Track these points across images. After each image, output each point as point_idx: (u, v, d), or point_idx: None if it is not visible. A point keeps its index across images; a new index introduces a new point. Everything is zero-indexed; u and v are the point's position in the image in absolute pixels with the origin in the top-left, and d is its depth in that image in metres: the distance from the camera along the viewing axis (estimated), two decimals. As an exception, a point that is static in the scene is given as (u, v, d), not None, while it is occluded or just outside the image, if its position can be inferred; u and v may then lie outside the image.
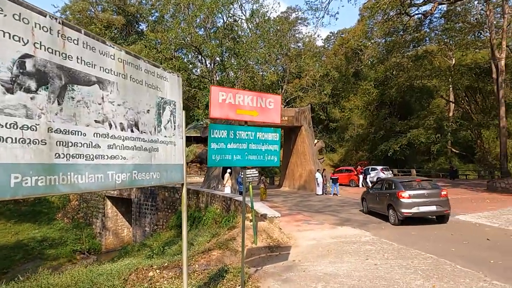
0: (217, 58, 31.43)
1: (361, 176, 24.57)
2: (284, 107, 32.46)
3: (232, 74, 28.32)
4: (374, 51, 39.01)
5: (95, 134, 2.44)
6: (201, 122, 34.23)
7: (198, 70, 34.80)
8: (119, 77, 2.70)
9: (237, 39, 31.25)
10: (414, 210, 9.28)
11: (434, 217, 9.91)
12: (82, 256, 24.17)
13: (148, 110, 3.06)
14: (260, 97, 4.73)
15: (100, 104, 2.50)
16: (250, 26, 31.44)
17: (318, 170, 19.80)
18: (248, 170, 6.92)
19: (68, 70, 2.24)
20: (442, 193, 9.57)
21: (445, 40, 34.25)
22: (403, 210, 9.30)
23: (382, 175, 25.63)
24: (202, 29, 32.50)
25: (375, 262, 5.97)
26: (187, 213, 17.16)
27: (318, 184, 18.74)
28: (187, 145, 40.63)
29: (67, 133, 2.21)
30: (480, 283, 4.79)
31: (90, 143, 2.39)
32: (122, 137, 2.71)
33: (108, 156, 2.54)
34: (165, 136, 3.30)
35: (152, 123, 3.11)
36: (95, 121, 2.45)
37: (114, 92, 2.64)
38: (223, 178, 18.02)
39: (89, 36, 2.42)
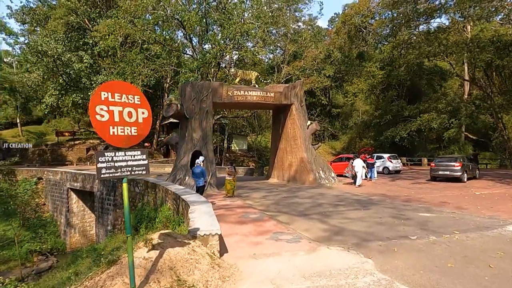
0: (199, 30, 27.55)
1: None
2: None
3: (215, 45, 24.24)
4: (380, 26, 34.67)
5: None
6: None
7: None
8: None
9: (225, 12, 27.23)
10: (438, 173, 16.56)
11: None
12: (40, 258, 20.93)
13: None
14: None
15: None
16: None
17: (356, 156, 17.32)
18: (110, 152, 3.31)
19: None
20: (456, 164, 15.92)
21: (464, 9, 29.75)
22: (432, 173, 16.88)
23: (389, 164, 21.91)
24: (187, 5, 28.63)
25: None
26: (144, 211, 13.27)
27: (357, 174, 15.67)
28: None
29: None
30: None
31: None
32: None
33: None
34: None
35: None
36: None
37: None
38: (191, 168, 14.39)
39: None
